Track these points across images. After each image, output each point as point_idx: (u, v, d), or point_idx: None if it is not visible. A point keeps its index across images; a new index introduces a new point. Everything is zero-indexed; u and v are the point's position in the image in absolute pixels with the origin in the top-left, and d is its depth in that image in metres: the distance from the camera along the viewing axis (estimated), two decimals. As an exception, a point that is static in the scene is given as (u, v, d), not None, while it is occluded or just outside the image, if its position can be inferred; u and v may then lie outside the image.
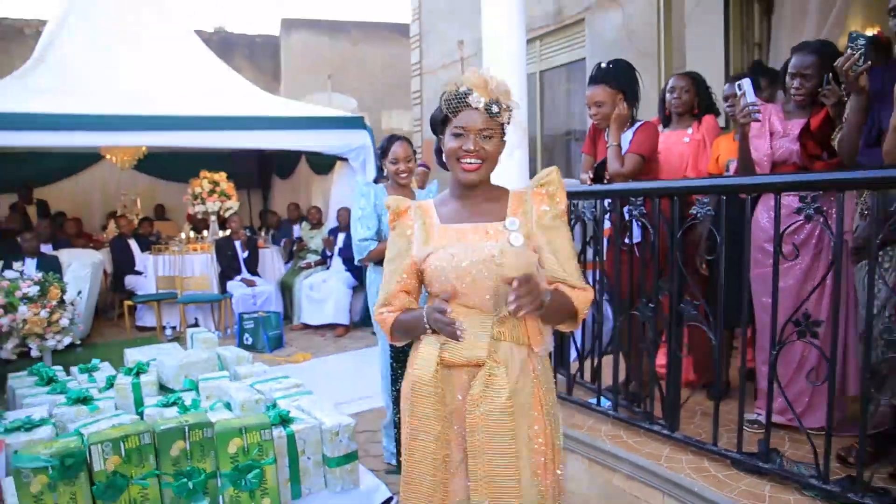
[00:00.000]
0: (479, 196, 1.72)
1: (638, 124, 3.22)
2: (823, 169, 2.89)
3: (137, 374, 2.67)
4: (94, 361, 3.06)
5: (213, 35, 12.13)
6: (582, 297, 1.70)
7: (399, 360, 2.87)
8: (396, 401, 2.78)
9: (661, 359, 3.18)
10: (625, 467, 2.64)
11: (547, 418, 1.68)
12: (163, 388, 2.75)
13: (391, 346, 2.91)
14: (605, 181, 3.16)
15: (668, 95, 3.66)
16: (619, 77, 3.17)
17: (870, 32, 3.53)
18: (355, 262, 3.43)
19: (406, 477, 1.72)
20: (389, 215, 1.78)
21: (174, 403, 2.37)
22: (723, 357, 2.54)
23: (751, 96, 2.75)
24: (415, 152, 3.33)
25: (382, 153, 3.29)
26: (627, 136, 3.20)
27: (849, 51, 2.39)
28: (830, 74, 2.82)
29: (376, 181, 3.45)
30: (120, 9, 7.64)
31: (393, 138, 3.29)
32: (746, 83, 2.80)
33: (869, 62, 2.38)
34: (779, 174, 2.84)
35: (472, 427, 1.61)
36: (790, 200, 3.07)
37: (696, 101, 3.55)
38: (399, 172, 3.23)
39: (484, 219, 1.69)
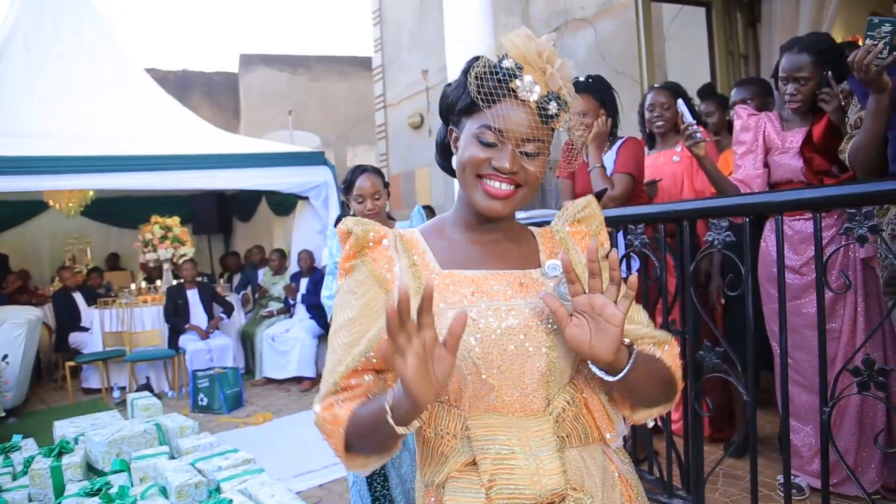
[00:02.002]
0: (497, 231, 1.12)
1: (620, 141, 2.98)
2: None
3: (60, 455, 2.33)
4: (15, 438, 2.68)
5: (170, 74, 11.66)
6: (672, 355, 1.13)
7: None
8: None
9: (673, 412, 2.75)
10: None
11: None
12: (92, 470, 2.40)
13: None
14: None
15: (647, 113, 3.33)
16: (600, 90, 2.96)
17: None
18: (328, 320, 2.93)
19: None
20: (347, 247, 1.07)
21: (99, 491, 2.05)
22: (754, 414, 2.10)
23: (687, 117, 2.61)
24: (386, 184, 2.83)
25: (347, 188, 2.80)
26: (610, 155, 2.96)
27: (869, 40, 2.00)
28: (829, 73, 2.50)
29: (339, 220, 2.95)
30: (62, 43, 7.17)
31: (358, 170, 2.77)
32: (681, 104, 2.69)
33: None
34: (810, 187, 2.44)
35: None
36: (802, 225, 2.70)
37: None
38: (366, 213, 2.77)
39: (507, 263, 1.09)
